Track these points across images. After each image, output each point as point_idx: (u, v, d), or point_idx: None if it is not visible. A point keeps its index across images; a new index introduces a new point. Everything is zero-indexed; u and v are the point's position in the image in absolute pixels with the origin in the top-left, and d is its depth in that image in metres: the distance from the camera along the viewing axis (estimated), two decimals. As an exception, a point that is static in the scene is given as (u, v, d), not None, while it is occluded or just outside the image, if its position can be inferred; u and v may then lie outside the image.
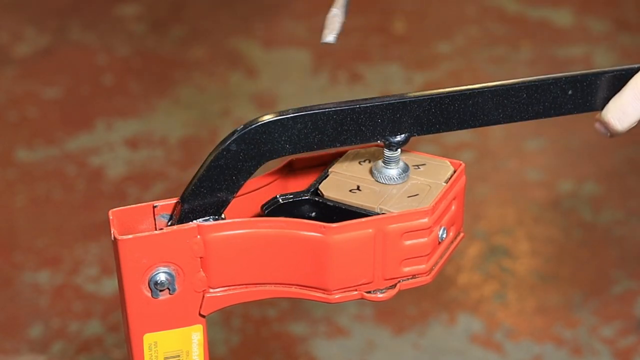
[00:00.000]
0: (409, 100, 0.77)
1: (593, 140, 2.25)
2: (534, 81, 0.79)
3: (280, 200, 0.78)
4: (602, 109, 0.81)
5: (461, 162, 0.81)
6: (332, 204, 0.78)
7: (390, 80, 2.50)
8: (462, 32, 2.67)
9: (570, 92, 0.80)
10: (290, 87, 2.49)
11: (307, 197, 0.78)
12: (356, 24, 2.68)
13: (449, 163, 0.81)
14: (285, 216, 0.77)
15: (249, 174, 0.75)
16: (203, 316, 0.77)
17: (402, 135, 0.78)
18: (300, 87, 2.49)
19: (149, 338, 0.76)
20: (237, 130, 0.74)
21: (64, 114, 2.41)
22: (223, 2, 2.82)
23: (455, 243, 0.81)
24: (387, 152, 0.79)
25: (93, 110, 2.43)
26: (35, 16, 2.77)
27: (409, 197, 0.77)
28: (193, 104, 2.45)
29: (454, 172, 0.80)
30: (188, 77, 2.54)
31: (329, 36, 0.81)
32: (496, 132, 2.30)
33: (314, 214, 0.78)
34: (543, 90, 0.79)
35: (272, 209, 0.78)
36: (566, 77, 0.80)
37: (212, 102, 2.45)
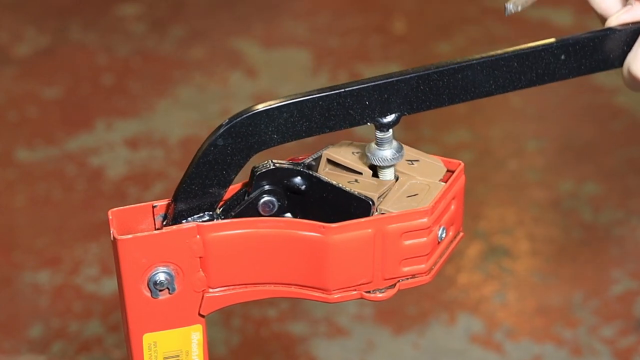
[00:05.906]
0: (396, 80, 0.75)
1: (593, 140, 2.25)
2: (525, 49, 0.77)
3: (273, 165, 0.77)
4: (597, 70, 0.80)
5: (460, 161, 0.81)
6: (326, 181, 0.76)
7: (390, 80, 2.50)
8: (462, 32, 2.67)
9: (563, 57, 0.78)
10: (290, 87, 2.49)
11: (300, 170, 0.77)
12: (356, 24, 2.68)
13: (441, 162, 0.80)
14: (274, 182, 0.76)
15: (239, 167, 0.75)
16: (203, 316, 0.77)
17: (393, 116, 0.76)
18: (300, 87, 2.49)
19: (148, 338, 0.76)
20: (223, 125, 0.73)
21: (64, 114, 2.41)
22: (223, 2, 2.82)
23: (454, 243, 0.81)
24: (378, 134, 0.77)
25: (93, 110, 2.43)
26: (35, 16, 2.77)
27: (408, 196, 0.77)
28: (193, 104, 2.45)
29: (447, 171, 0.80)
30: (188, 77, 2.54)
31: (510, 6, 0.79)
32: (496, 132, 2.29)
33: (304, 187, 0.77)
34: (535, 58, 0.77)
35: (263, 172, 0.76)
36: (557, 42, 0.78)
37: (212, 102, 2.45)
